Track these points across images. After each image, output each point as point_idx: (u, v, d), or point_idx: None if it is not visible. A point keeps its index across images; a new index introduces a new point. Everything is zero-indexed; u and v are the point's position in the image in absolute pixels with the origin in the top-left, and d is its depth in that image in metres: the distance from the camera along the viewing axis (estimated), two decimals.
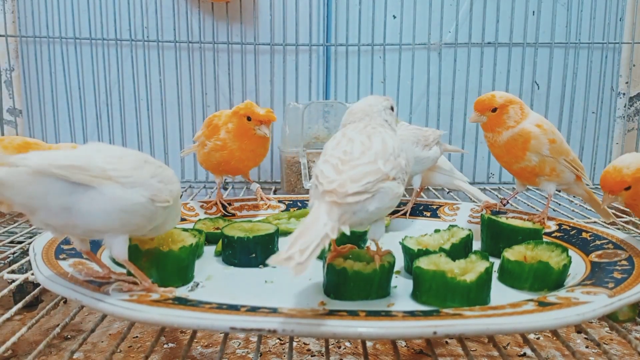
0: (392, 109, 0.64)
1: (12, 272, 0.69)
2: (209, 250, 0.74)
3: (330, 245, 0.61)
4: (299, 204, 0.95)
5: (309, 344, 0.85)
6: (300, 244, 0.43)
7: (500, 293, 0.60)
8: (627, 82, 1.40)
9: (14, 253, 0.81)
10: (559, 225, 0.78)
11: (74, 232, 0.50)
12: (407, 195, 1.10)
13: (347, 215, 0.49)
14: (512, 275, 0.62)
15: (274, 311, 0.44)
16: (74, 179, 0.45)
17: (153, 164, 0.52)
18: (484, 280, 0.55)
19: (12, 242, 0.87)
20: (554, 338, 0.80)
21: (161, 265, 0.59)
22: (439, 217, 0.90)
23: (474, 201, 1.05)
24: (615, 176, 0.64)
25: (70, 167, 0.45)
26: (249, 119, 0.86)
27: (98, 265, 0.54)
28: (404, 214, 0.90)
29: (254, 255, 0.69)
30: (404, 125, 0.93)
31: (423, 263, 0.57)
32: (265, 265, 0.69)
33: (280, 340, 0.86)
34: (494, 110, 0.80)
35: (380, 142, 0.56)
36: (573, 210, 1.05)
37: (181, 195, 1.26)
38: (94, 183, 0.46)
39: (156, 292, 0.50)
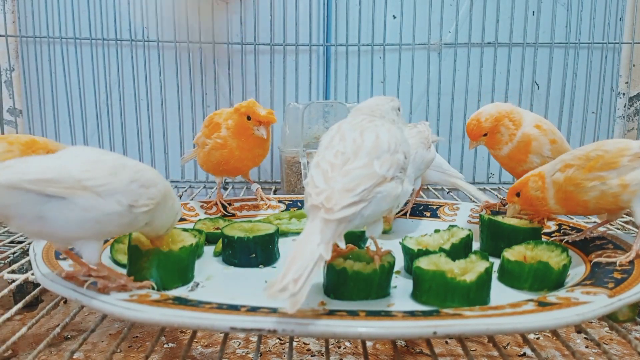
0: (398, 109, 0.63)
1: (12, 272, 0.69)
2: (209, 250, 0.74)
3: None
4: (299, 204, 0.95)
5: (309, 344, 0.85)
6: (294, 271, 0.41)
7: (500, 293, 0.60)
8: (627, 82, 1.40)
9: (14, 253, 0.81)
10: (559, 225, 0.78)
11: (48, 238, 0.49)
12: None
13: (342, 227, 0.46)
14: (512, 276, 0.62)
15: (274, 311, 0.44)
16: (47, 192, 0.44)
17: (132, 168, 0.50)
18: (484, 281, 0.55)
19: (12, 242, 0.87)
20: (554, 338, 0.80)
21: (161, 265, 0.59)
22: (439, 217, 0.90)
23: (473, 201, 1.05)
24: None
25: (43, 181, 0.44)
26: (248, 118, 0.86)
27: (77, 263, 0.54)
28: (405, 214, 0.90)
29: (254, 255, 0.69)
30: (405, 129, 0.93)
31: (423, 263, 0.57)
32: (265, 265, 0.69)
33: (280, 340, 0.86)
34: (486, 135, 0.81)
35: (372, 139, 0.53)
36: None
37: (181, 195, 1.27)
38: (69, 195, 0.45)
39: (133, 287, 0.51)
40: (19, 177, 0.44)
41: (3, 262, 0.79)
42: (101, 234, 0.49)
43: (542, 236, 0.74)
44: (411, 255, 0.64)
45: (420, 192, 0.98)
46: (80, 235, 0.48)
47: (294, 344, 0.84)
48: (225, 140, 0.87)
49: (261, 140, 0.88)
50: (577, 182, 0.63)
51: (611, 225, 0.92)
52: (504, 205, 0.88)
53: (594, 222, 0.91)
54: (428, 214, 0.91)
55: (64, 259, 0.57)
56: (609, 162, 0.62)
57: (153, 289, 0.53)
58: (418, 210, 0.92)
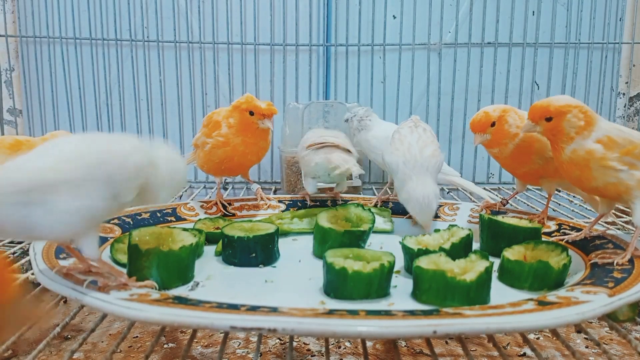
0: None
1: None
2: (209, 250, 0.74)
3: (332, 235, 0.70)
4: (299, 204, 0.95)
5: (309, 344, 0.85)
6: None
7: (500, 293, 0.60)
8: (627, 82, 1.40)
9: (14, 253, 0.81)
10: (559, 225, 0.78)
11: (44, 240, 0.49)
12: None
13: None
14: (512, 275, 0.62)
15: (274, 310, 0.44)
16: (23, 200, 0.44)
17: (109, 160, 0.48)
18: (484, 280, 0.55)
19: (12, 242, 0.87)
20: (554, 338, 0.80)
21: (161, 265, 0.59)
22: (439, 217, 0.90)
23: (474, 201, 1.05)
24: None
25: (16, 192, 0.44)
26: (251, 113, 0.85)
27: (77, 259, 0.54)
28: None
29: (254, 255, 0.69)
30: (418, 130, 0.89)
31: (423, 263, 0.57)
32: (265, 264, 0.69)
33: (280, 340, 0.86)
34: (493, 124, 0.79)
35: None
36: (573, 210, 1.05)
37: (181, 196, 1.27)
38: (46, 198, 0.44)
39: (133, 286, 0.51)
40: None
41: None
42: (93, 226, 0.49)
43: (542, 236, 0.74)
44: (411, 255, 0.64)
45: None
46: (72, 233, 0.48)
47: (294, 343, 0.84)
48: (227, 137, 0.87)
49: (265, 132, 0.88)
50: (606, 164, 0.60)
51: (611, 225, 0.92)
52: (504, 205, 0.88)
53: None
54: None
55: (64, 258, 0.57)
56: None
57: (155, 289, 0.53)
58: None
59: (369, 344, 0.85)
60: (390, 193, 1.02)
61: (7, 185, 0.44)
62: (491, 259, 0.59)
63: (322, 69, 1.38)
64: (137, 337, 0.87)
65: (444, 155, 0.91)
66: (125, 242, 0.65)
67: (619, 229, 0.92)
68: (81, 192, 0.46)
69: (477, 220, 0.82)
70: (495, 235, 0.74)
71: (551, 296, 0.50)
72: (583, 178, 0.63)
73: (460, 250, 0.67)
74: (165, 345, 0.85)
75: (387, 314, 0.44)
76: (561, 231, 0.76)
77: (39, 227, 0.45)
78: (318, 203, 0.94)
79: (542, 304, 0.47)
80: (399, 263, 0.65)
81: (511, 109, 0.80)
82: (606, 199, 0.67)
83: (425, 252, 0.63)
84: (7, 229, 0.46)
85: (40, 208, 0.45)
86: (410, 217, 0.89)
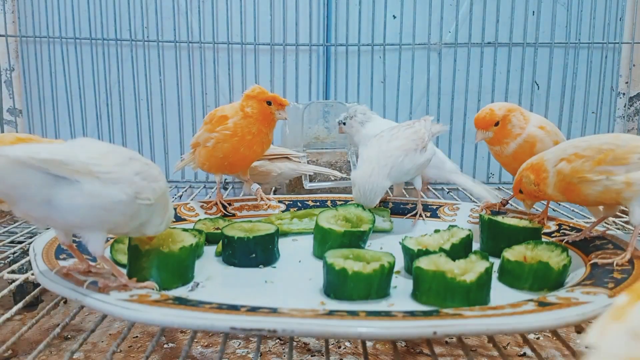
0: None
1: (12, 272, 0.69)
2: (209, 250, 0.74)
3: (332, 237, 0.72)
4: (299, 204, 0.95)
5: (309, 344, 0.85)
6: None
7: (500, 293, 0.60)
8: (627, 82, 1.40)
9: (14, 253, 0.81)
10: (559, 225, 0.78)
11: (54, 225, 0.50)
12: (406, 195, 1.10)
13: None
14: (512, 276, 0.62)
15: (274, 311, 0.44)
16: (53, 172, 0.45)
17: (139, 161, 0.51)
18: (484, 280, 0.55)
19: (12, 242, 0.87)
20: (554, 338, 0.80)
21: (161, 265, 0.59)
22: (439, 217, 0.90)
23: (474, 201, 1.05)
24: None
25: (51, 160, 0.45)
26: (269, 103, 0.86)
27: (78, 259, 0.54)
28: (414, 215, 0.89)
29: (254, 255, 0.69)
30: (401, 128, 0.88)
31: (423, 263, 0.57)
32: (265, 265, 0.69)
33: (280, 340, 0.86)
34: (497, 124, 0.79)
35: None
36: (573, 210, 1.05)
37: (181, 195, 1.27)
38: (75, 176, 0.45)
39: (134, 287, 0.51)
40: (29, 155, 0.44)
41: (3, 262, 0.79)
42: (106, 223, 0.49)
43: (542, 236, 0.74)
44: (411, 255, 0.64)
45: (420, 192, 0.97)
46: (86, 223, 0.48)
47: (294, 344, 0.84)
48: (235, 129, 0.86)
49: (273, 124, 0.90)
50: (583, 176, 0.61)
51: (610, 224, 0.92)
52: (504, 205, 0.88)
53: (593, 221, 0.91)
54: (428, 214, 0.91)
55: (64, 259, 0.57)
56: (619, 157, 0.60)
57: (155, 289, 0.53)
58: None
59: (369, 344, 0.85)
60: (391, 194, 1.02)
61: (41, 152, 0.45)
62: (491, 259, 0.59)
63: (322, 69, 1.38)
64: (137, 337, 0.87)
65: (434, 150, 0.90)
66: (125, 242, 0.65)
67: (618, 228, 0.92)
68: (107, 181, 0.47)
69: (477, 220, 0.82)
70: (495, 235, 0.74)
71: (551, 297, 0.50)
72: (580, 197, 0.64)
73: (460, 250, 0.67)
74: (165, 345, 0.85)
75: (387, 314, 0.44)
76: (561, 231, 0.76)
77: (59, 208, 0.46)
78: (318, 203, 0.94)
79: (542, 304, 0.47)
80: (399, 263, 0.65)
81: (517, 108, 0.80)
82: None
83: (425, 252, 0.62)
84: (26, 201, 0.46)
85: (67, 188, 0.45)
86: (410, 216, 0.90)
